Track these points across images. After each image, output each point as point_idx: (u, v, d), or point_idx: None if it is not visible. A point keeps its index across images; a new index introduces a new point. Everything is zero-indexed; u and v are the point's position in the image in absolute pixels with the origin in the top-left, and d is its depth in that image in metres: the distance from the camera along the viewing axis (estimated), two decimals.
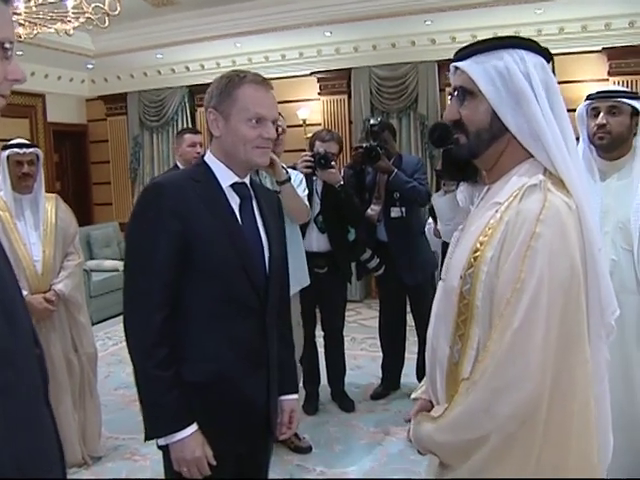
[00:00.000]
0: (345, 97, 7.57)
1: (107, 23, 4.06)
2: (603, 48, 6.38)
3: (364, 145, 3.80)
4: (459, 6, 6.15)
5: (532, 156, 1.29)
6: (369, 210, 3.97)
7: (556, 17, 6.26)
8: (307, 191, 3.42)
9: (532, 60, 1.27)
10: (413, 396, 1.51)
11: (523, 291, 1.13)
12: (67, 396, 3.27)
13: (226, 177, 1.76)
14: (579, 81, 6.34)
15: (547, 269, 1.13)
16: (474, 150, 1.34)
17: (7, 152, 3.15)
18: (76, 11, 3.96)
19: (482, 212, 1.31)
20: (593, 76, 6.46)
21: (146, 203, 1.70)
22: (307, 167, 3.58)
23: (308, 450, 3.52)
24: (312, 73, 7.57)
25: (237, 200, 1.78)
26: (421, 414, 1.35)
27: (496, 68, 1.27)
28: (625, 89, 2.49)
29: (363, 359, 5.06)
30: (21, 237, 3.16)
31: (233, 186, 1.78)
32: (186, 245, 1.64)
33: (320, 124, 7.64)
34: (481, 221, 1.28)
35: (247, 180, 1.83)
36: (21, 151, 3.16)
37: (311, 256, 3.73)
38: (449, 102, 1.40)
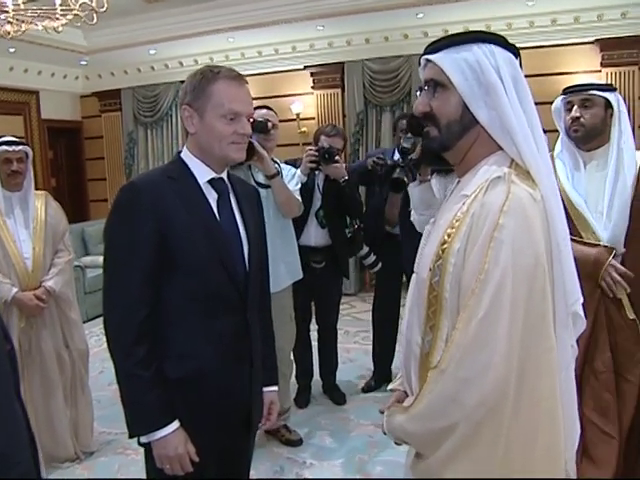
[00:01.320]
0: (338, 91, 7.57)
1: (95, 20, 4.06)
2: (596, 39, 6.38)
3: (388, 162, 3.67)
4: None
5: (501, 148, 1.30)
6: (388, 213, 4.00)
7: (548, 9, 6.27)
8: (299, 185, 3.42)
9: (502, 54, 1.29)
10: (390, 387, 1.53)
11: (487, 282, 1.15)
12: (58, 391, 3.29)
13: (203, 173, 1.76)
14: (572, 73, 6.35)
15: (511, 259, 1.14)
16: (445, 142, 1.35)
17: None
18: (64, 8, 3.96)
19: (451, 205, 1.33)
20: (586, 67, 6.46)
21: (122, 203, 1.70)
22: (312, 161, 3.59)
23: (299, 443, 3.54)
24: (305, 67, 7.57)
25: (215, 196, 1.78)
26: (394, 405, 1.37)
27: (467, 61, 1.28)
28: (598, 82, 2.53)
29: (355, 352, 5.07)
30: (11, 234, 3.17)
31: (210, 182, 1.78)
32: (164, 243, 1.65)
33: (314, 118, 7.65)
34: (449, 214, 1.29)
35: (224, 175, 1.83)
36: (10, 148, 3.17)
37: (309, 250, 3.75)
38: (418, 96, 1.41)
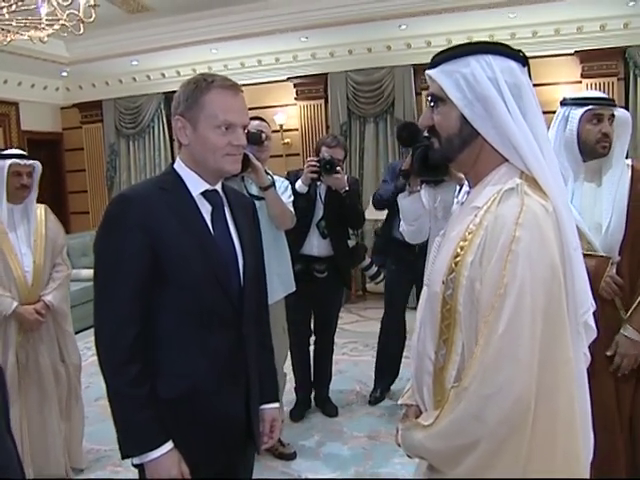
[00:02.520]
0: (322, 102, 7.60)
1: (82, 30, 4.02)
2: (575, 51, 6.50)
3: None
4: (434, 11, 6.22)
5: (508, 160, 1.30)
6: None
7: (529, 21, 6.36)
8: (292, 197, 3.42)
9: (500, 65, 1.28)
10: (400, 402, 1.52)
11: (506, 295, 1.14)
12: (54, 407, 3.24)
13: (196, 185, 1.71)
14: (553, 84, 6.43)
15: (528, 272, 1.14)
16: (446, 155, 1.37)
17: (9, 162, 3.10)
18: (50, 18, 3.92)
19: (462, 217, 1.32)
20: (567, 79, 6.56)
21: (112, 216, 1.64)
22: (313, 172, 3.59)
23: (292, 456, 3.51)
24: (289, 78, 7.59)
25: (209, 208, 1.73)
26: (410, 420, 1.35)
27: (463, 75, 1.28)
28: (603, 95, 2.54)
29: (345, 364, 5.06)
30: (12, 247, 3.12)
31: (204, 194, 1.72)
32: (156, 258, 1.59)
33: (297, 129, 7.66)
34: (461, 226, 1.29)
35: (219, 187, 1.78)
36: (22, 162, 3.14)
37: (311, 260, 3.75)
38: (425, 107, 1.42)
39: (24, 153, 3.25)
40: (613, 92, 6.34)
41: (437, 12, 6.18)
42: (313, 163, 3.61)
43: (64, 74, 8.01)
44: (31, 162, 3.20)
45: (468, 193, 1.39)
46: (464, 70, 1.28)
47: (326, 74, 7.49)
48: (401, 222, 3.22)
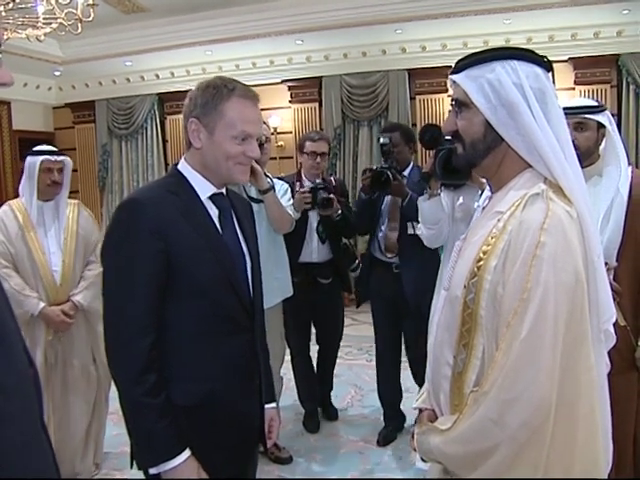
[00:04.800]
0: (316, 105, 7.60)
1: (80, 29, 3.99)
2: (569, 58, 6.54)
3: (374, 167, 3.36)
4: (429, 15, 6.24)
5: (532, 166, 1.30)
6: (387, 241, 3.53)
7: (524, 27, 6.39)
8: (291, 201, 3.38)
9: (525, 70, 1.28)
10: (415, 405, 1.51)
11: (530, 300, 1.14)
12: (83, 407, 3.20)
13: (204, 188, 1.68)
14: None
15: (552, 277, 1.14)
16: (470, 160, 1.36)
17: (41, 158, 3.05)
18: (48, 16, 3.89)
19: (484, 222, 1.32)
20: (560, 85, 6.58)
21: (123, 223, 1.59)
22: (307, 203, 3.44)
23: (289, 460, 3.48)
24: (283, 81, 7.59)
25: (215, 211, 1.70)
26: (426, 425, 1.34)
27: (488, 80, 1.28)
28: (590, 103, 2.52)
29: (339, 367, 4.98)
30: (41, 246, 3.06)
31: (211, 197, 1.70)
32: (169, 264, 1.56)
33: (291, 132, 7.66)
34: (484, 230, 1.28)
35: (224, 190, 1.77)
36: (52, 158, 3.09)
37: (314, 267, 3.69)
38: (448, 113, 1.41)
39: (55, 149, 3.19)
40: (606, 99, 6.39)
41: (433, 17, 6.20)
42: (306, 195, 3.44)
43: (57, 73, 7.96)
44: (62, 158, 3.14)
45: (490, 198, 1.38)
46: (489, 75, 1.28)
47: (321, 77, 7.49)
48: (419, 225, 3.15)
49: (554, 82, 1.33)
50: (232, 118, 1.60)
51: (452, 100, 1.38)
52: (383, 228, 3.54)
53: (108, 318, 1.59)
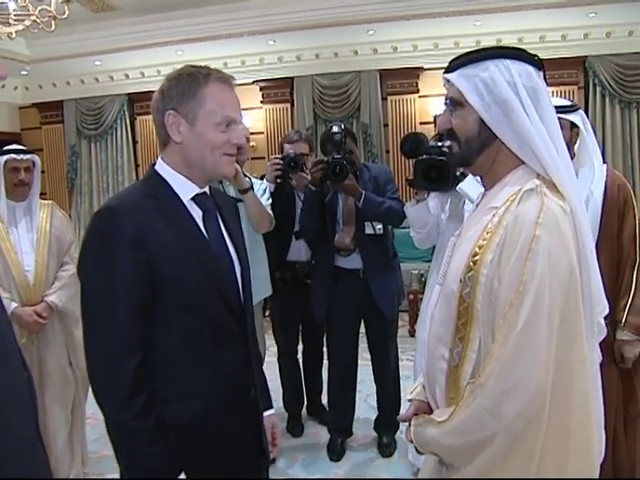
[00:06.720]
0: (288, 106, 7.61)
1: (53, 27, 3.92)
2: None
3: (325, 159, 3.19)
4: (401, 17, 6.30)
5: (525, 162, 1.32)
6: (337, 239, 3.37)
7: (494, 29, 6.50)
8: (270, 200, 3.36)
9: (517, 69, 1.31)
10: (409, 397, 1.52)
11: (525, 293, 1.16)
12: (59, 411, 3.12)
13: (186, 189, 1.56)
14: None
15: (548, 270, 1.17)
16: (465, 158, 1.39)
17: (5, 157, 2.98)
18: (20, 13, 3.81)
19: (479, 217, 1.34)
20: None
21: (100, 232, 1.46)
22: (277, 169, 3.45)
23: (271, 461, 3.46)
24: (254, 82, 7.57)
25: (199, 213, 1.58)
26: (422, 417, 1.36)
27: (482, 79, 1.30)
28: (564, 103, 2.55)
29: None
30: (13, 246, 2.99)
31: (194, 198, 1.58)
32: (152, 274, 1.43)
33: (262, 132, 7.66)
34: (479, 225, 1.31)
35: (207, 189, 1.65)
36: (19, 157, 3.01)
37: (303, 266, 3.65)
38: (442, 112, 1.44)
39: (22, 148, 3.12)
40: (573, 100, 6.51)
41: (405, 18, 6.26)
42: (276, 161, 3.47)
43: (24, 73, 7.81)
44: (28, 157, 3.07)
45: (483, 195, 1.41)
46: (483, 74, 1.30)
47: (292, 78, 7.51)
48: (379, 226, 3.22)
49: (546, 80, 1.36)
50: (213, 104, 1.51)
51: (446, 99, 1.40)
52: (339, 232, 3.41)
53: (87, 338, 1.46)
